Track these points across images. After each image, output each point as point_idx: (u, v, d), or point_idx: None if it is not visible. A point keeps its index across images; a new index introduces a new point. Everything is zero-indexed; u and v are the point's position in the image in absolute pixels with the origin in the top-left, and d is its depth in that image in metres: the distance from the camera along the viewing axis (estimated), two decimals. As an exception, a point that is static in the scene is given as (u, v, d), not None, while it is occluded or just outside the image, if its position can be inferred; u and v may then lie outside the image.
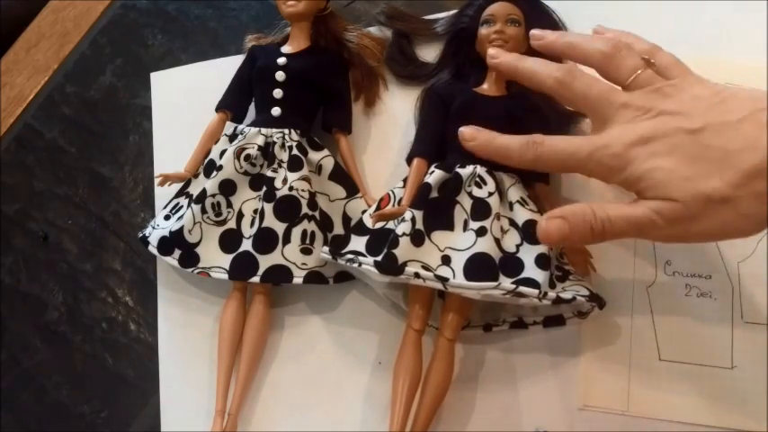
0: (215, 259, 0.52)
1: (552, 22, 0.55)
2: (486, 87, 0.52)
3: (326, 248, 0.49)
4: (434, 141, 0.51)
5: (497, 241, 0.45)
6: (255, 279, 0.50)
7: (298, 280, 0.50)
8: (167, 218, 0.54)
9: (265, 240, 0.50)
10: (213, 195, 0.52)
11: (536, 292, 0.42)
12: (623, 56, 0.42)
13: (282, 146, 0.53)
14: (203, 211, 0.52)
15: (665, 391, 0.47)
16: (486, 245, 0.45)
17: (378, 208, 0.50)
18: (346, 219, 0.53)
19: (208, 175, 0.54)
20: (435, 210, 0.47)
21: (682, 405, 0.47)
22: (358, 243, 0.48)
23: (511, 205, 0.47)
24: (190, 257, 0.52)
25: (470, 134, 0.43)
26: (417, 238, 0.46)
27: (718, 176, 0.35)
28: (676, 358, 0.48)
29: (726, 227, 0.36)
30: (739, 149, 0.36)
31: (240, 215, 0.53)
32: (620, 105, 0.40)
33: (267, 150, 0.53)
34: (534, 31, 0.47)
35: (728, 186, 0.35)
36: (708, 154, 0.36)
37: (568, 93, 0.42)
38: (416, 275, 0.44)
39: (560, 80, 0.42)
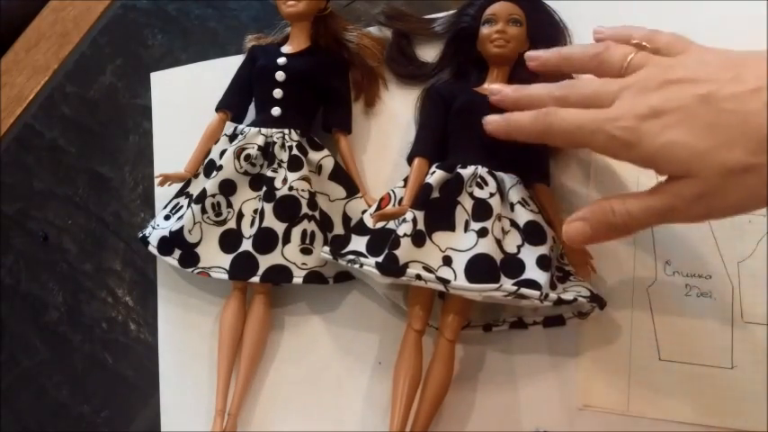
0: (215, 259, 0.52)
1: (553, 22, 0.55)
2: (487, 87, 0.52)
3: (327, 248, 0.49)
4: (435, 141, 0.51)
5: (498, 242, 0.45)
6: (255, 279, 0.50)
7: (298, 280, 0.50)
8: (167, 218, 0.54)
9: (265, 240, 0.50)
10: (213, 195, 0.52)
11: (537, 293, 0.42)
12: (611, 48, 0.41)
13: (282, 146, 0.53)
14: (203, 211, 0.52)
15: (665, 391, 0.47)
16: (487, 246, 0.45)
17: (378, 208, 0.50)
18: (346, 219, 0.53)
19: (208, 175, 0.54)
20: (436, 210, 0.47)
21: (682, 405, 0.47)
22: (358, 243, 0.48)
23: (512, 206, 0.47)
24: (190, 257, 0.52)
25: (491, 120, 0.45)
26: (418, 239, 0.46)
27: (738, 145, 0.33)
28: (676, 358, 0.48)
29: (752, 197, 0.34)
30: (757, 111, 0.33)
31: (240, 215, 0.53)
32: (620, 88, 0.38)
33: (267, 150, 0.53)
34: (529, 53, 0.46)
35: (750, 154, 0.33)
36: (724, 120, 0.34)
37: (571, 103, 0.41)
38: (418, 277, 0.44)
39: (559, 95, 0.42)
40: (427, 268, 0.45)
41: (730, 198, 0.35)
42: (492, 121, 0.45)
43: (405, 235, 0.45)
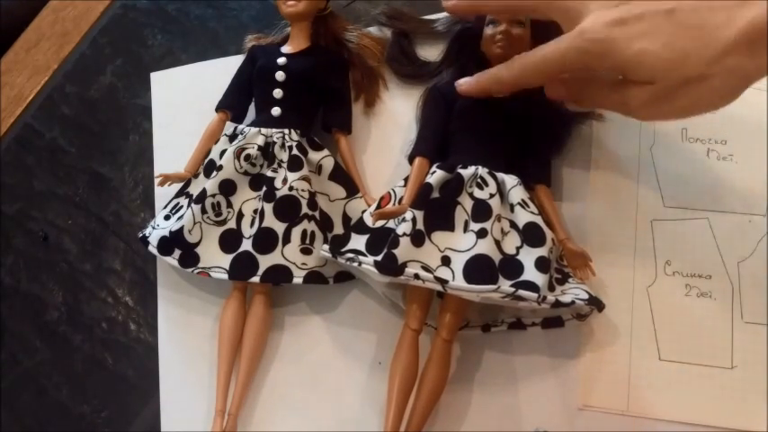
0: (215, 259, 0.52)
1: (556, 23, 0.55)
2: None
3: (326, 247, 0.49)
4: (436, 141, 0.51)
5: (498, 243, 0.45)
6: (255, 279, 0.50)
7: (298, 280, 0.50)
8: (167, 218, 0.54)
9: (265, 240, 0.50)
10: (213, 195, 0.52)
11: (535, 296, 0.42)
12: None
13: (282, 146, 0.53)
14: (203, 211, 0.52)
15: (665, 391, 0.47)
16: (486, 246, 0.45)
17: (378, 207, 0.50)
18: (346, 219, 0.53)
19: (208, 175, 0.54)
20: (436, 210, 0.47)
21: (682, 405, 0.47)
22: (358, 242, 0.48)
23: (512, 207, 0.47)
24: (190, 257, 0.52)
25: (463, 81, 0.49)
26: (417, 239, 0.46)
27: (696, 56, 0.37)
28: (676, 358, 0.48)
29: (698, 103, 0.39)
30: (714, 27, 0.37)
31: (240, 215, 0.53)
32: (586, 4, 0.41)
33: (267, 150, 0.53)
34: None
35: (706, 65, 0.37)
36: (684, 34, 0.37)
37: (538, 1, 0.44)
38: (416, 277, 0.44)
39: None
40: (426, 268, 0.45)
41: (679, 103, 0.39)
42: (463, 83, 0.49)
43: (404, 234, 0.45)
